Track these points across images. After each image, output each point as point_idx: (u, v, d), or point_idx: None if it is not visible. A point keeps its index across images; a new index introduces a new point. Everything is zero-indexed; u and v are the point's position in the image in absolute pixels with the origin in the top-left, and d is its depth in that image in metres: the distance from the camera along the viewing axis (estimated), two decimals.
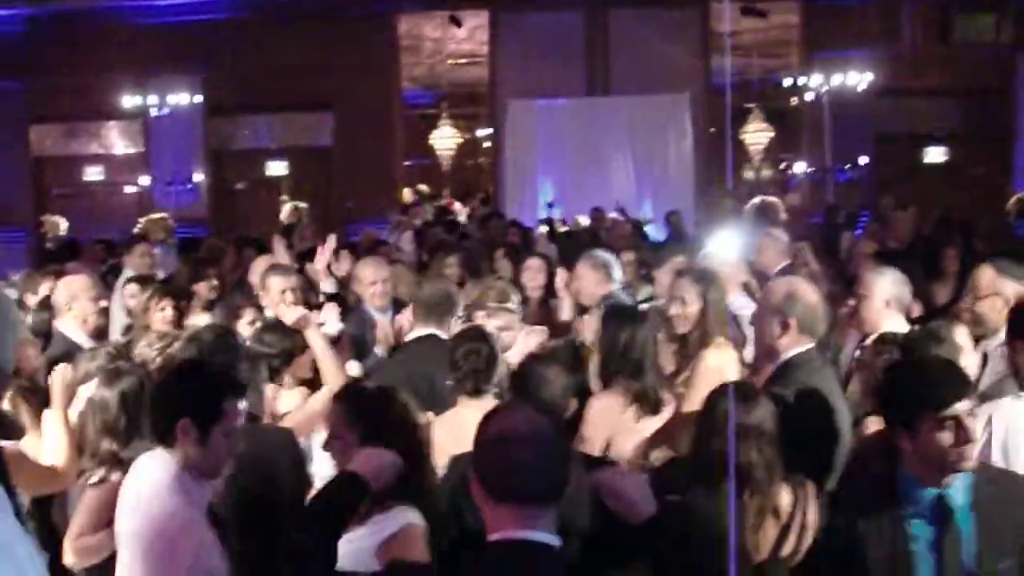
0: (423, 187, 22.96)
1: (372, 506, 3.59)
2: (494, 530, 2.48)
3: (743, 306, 6.80)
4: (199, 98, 21.39)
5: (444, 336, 5.87)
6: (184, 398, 3.67)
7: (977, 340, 5.34)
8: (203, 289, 8.07)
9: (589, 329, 6.06)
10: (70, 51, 20.81)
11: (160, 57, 20.73)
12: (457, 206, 20.62)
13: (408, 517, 3.61)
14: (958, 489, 3.24)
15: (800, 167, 22.21)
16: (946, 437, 3.16)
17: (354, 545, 3.55)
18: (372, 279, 7.29)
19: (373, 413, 3.79)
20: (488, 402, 4.69)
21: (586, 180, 19.86)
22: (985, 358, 5.19)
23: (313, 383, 5.47)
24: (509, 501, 2.45)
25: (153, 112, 21.55)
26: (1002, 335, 4.96)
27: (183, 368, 4.11)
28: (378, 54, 20.72)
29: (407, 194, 22.19)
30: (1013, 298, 5.13)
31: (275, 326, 5.65)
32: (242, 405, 3.72)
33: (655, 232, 19.04)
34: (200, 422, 3.60)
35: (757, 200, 19.63)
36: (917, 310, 6.59)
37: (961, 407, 3.19)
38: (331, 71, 20.23)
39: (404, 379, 4.93)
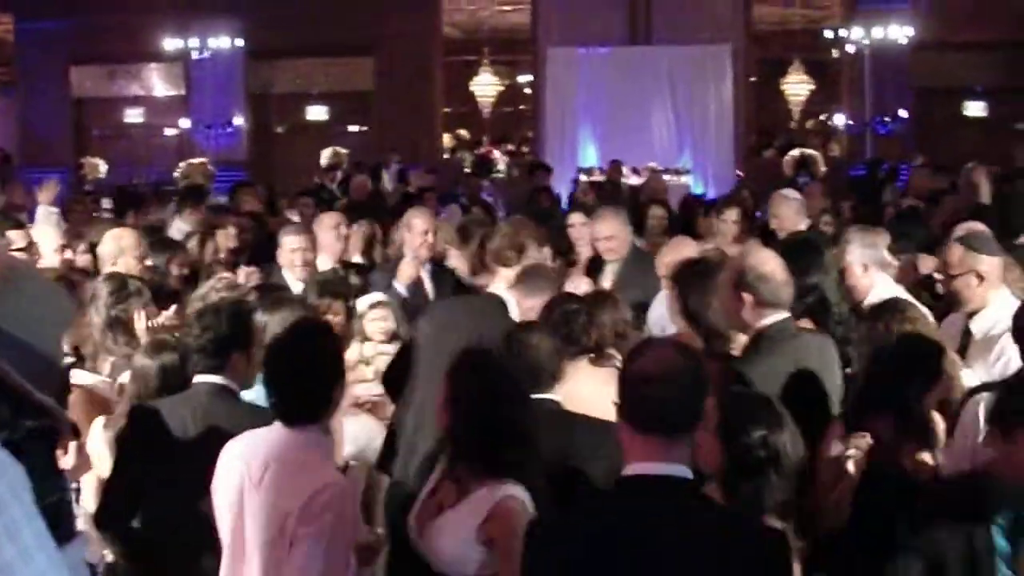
0: (463, 132, 23.10)
1: (468, 482, 3.55)
2: (631, 460, 2.72)
3: None
4: (240, 41, 21.44)
5: None
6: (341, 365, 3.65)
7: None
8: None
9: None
10: None
11: (202, 0, 20.81)
12: (496, 154, 20.74)
13: (505, 489, 3.48)
14: None
15: (840, 119, 22.26)
16: None
17: (452, 527, 3.52)
18: (424, 228, 7.10)
19: (469, 382, 3.68)
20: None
21: (627, 129, 19.97)
22: (968, 335, 5.06)
23: None
24: (645, 432, 2.68)
25: (194, 55, 21.62)
26: (989, 314, 4.96)
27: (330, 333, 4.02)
28: None
29: (447, 139, 22.32)
30: (986, 272, 5.01)
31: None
32: None
33: (693, 183, 19.20)
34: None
35: (796, 152, 19.79)
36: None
37: None
38: (372, 16, 20.29)
39: None
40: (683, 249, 6.35)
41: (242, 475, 3.44)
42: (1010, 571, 3.19)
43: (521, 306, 5.28)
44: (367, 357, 5.96)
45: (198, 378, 4.11)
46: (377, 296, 6.43)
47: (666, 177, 18.40)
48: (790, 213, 7.93)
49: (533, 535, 2.91)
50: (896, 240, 6.53)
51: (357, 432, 5.49)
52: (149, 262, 6.73)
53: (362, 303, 6.29)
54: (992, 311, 4.99)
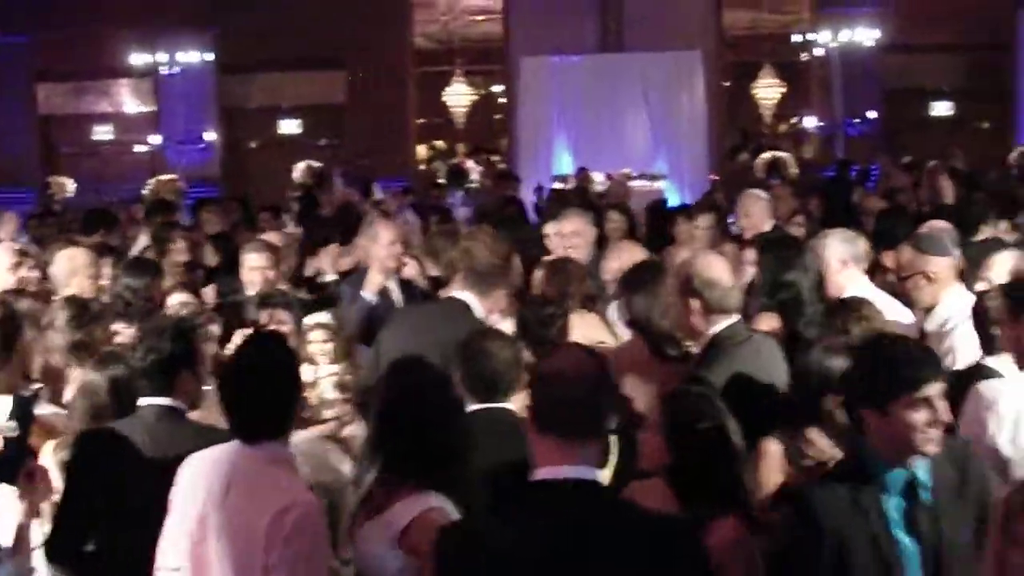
0: (439, 142, 23.13)
1: (395, 492, 3.49)
2: (540, 463, 2.74)
3: None
4: (210, 56, 21.34)
5: None
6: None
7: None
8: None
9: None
10: (79, 5, 20.70)
11: (171, 14, 20.70)
12: (470, 164, 20.74)
13: (428, 501, 3.44)
14: (920, 467, 3.28)
15: (811, 122, 22.40)
16: (919, 418, 3.19)
17: (374, 535, 3.48)
18: (390, 239, 6.81)
19: (395, 395, 3.65)
20: None
21: (601, 136, 19.99)
22: (922, 334, 5.15)
23: None
24: (552, 433, 2.73)
25: (164, 70, 21.46)
26: (941, 312, 5.13)
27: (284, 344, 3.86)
28: (391, 10, 20.78)
29: (421, 150, 22.31)
30: (935, 273, 5.18)
31: None
32: None
33: (668, 188, 19.24)
34: None
35: (768, 155, 19.89)
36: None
37: (934, 389, 3.22)
38: (344, 28, 20.29)
39: None
40: (627, 254, 6.38)
41: (203, 497, 3.34)
42: (908, 536, 3.25)
43: (483, 306, 5.30)
44: (309, 381, 5.57)
45: (143, 400, 3.96)
46: (318, 317, 6.11)
47: (640, 183, 18.45)
48: (760, 212, 7.95)
49: (441, 549, 2.86)
50: (879, 238, 6.64)
51: (319, 454, 5.37)
52: (104, 281, 6.56)
53: (306, 323, 6.07)
54: (943, 309, 5.17)
